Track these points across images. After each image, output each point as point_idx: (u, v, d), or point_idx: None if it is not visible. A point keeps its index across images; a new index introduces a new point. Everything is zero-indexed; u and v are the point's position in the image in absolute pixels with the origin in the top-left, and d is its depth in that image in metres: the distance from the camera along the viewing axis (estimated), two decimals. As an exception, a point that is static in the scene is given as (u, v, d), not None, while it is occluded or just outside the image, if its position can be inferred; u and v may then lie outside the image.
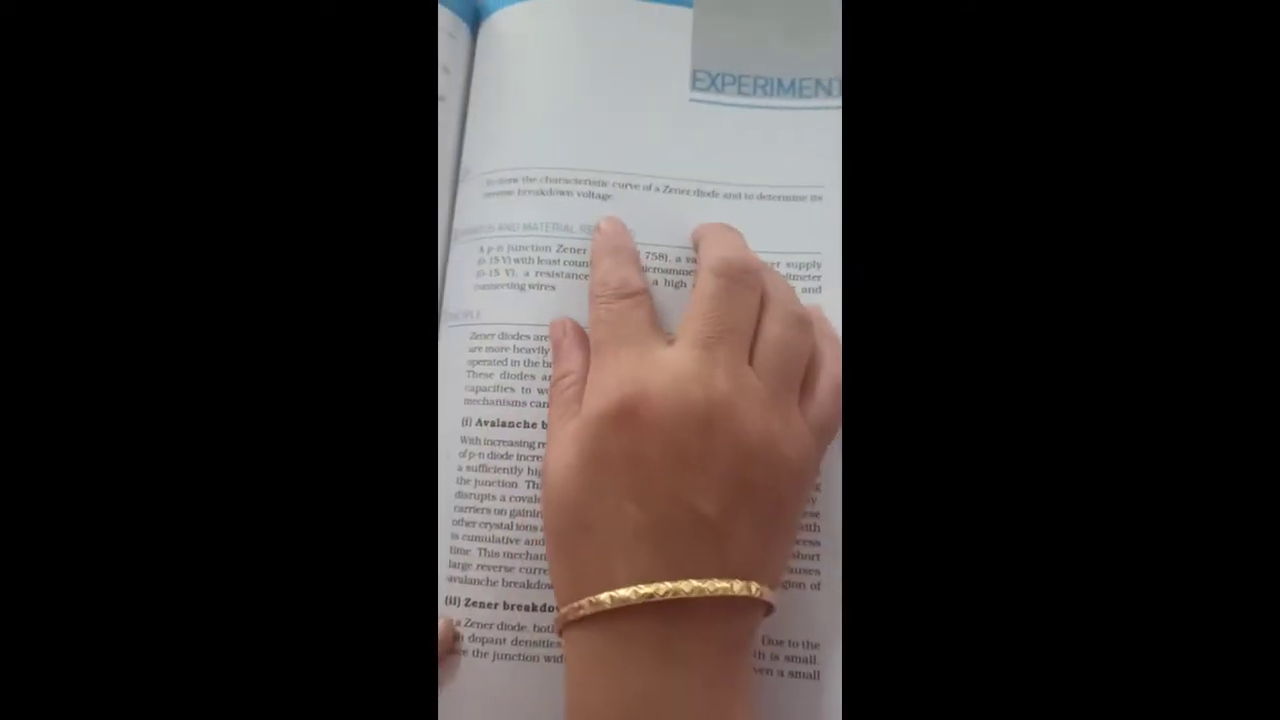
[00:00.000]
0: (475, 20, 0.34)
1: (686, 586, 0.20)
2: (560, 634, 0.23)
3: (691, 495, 0.21)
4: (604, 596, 0.21)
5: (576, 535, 0.22)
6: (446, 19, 0.32)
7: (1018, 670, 0.16)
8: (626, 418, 0.22)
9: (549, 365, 0.28)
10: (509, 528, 0.27)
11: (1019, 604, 0.16)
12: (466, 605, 0.27)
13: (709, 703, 0.21)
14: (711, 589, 0.20)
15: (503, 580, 0.27)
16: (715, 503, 0.21)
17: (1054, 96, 0.16)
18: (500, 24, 0.33)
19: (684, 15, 0.32)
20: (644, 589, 0.20)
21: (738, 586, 0.21)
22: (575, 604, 0.22)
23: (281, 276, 0.17)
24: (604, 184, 0.30)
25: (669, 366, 0.23)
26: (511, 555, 0.27)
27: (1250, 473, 0.15)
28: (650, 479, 0.21)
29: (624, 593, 0.20)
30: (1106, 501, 0.16)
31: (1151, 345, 0.16)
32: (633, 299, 0.25)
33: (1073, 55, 0.16)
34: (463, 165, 0.32)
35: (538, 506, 0.27)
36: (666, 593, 0.20)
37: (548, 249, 0.29)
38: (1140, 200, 0.16)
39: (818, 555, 0.27)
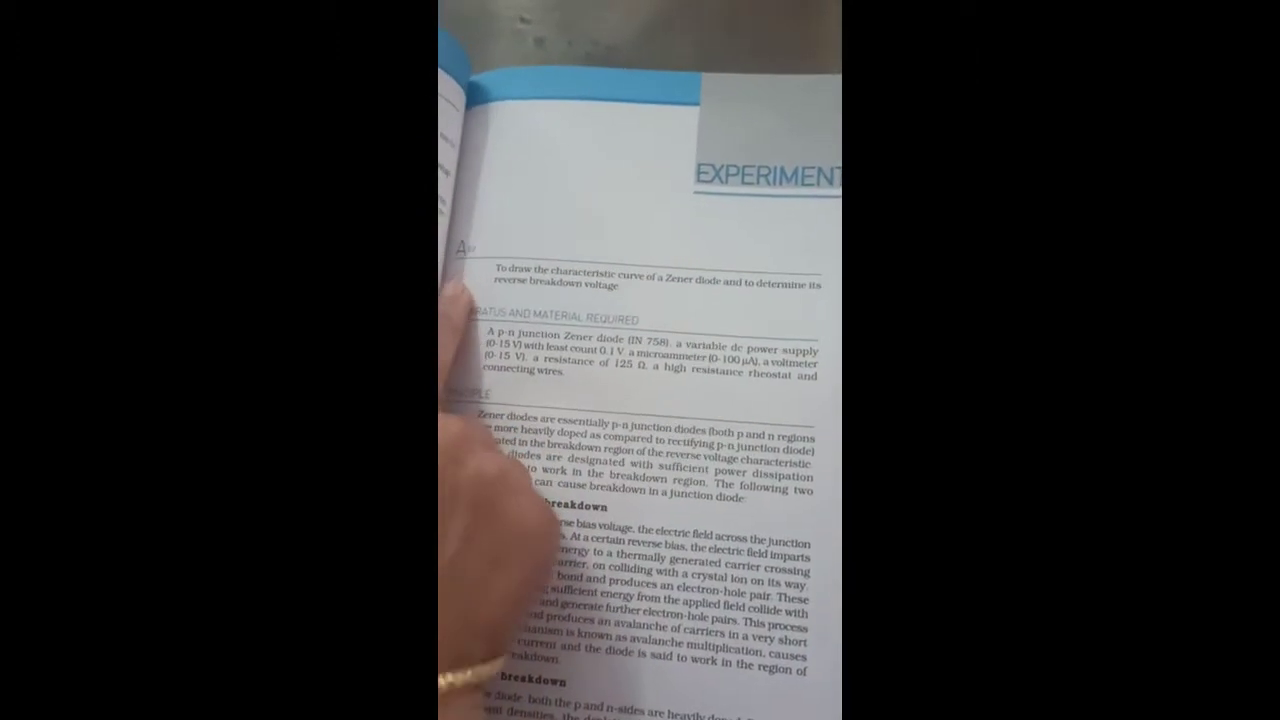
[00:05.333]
0: (470, 99, 0.35)
1: None
2: None
3: None
4: None
5: None
6: (450, 87, 0.33)
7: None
8: None
9: (553, 445, 0.30)
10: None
11: (1019, 663, 0.16)
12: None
13: None
14: None
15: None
16: None
17: (1050, 186, 0.16)
18: (517, 113, 0.34)
19: (690, 114, 0.34)
20: None
21: None
22: None
23: (282, 332, 0.17)
24: (610, 275, 0.32)
25: None
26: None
27: (1250, 472, 0.15)
28: None
29: None
30: (1112, 554, 0.16)
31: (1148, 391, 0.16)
32: None
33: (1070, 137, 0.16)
34: (465, 241, 0.33)
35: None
36: None
37: (556, 335, 0.31)
38: (1138, 270, 0.16)
39: (805, 640, 0.28)
